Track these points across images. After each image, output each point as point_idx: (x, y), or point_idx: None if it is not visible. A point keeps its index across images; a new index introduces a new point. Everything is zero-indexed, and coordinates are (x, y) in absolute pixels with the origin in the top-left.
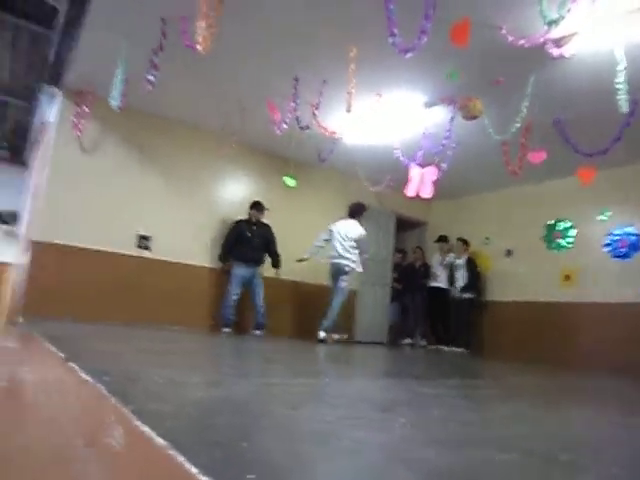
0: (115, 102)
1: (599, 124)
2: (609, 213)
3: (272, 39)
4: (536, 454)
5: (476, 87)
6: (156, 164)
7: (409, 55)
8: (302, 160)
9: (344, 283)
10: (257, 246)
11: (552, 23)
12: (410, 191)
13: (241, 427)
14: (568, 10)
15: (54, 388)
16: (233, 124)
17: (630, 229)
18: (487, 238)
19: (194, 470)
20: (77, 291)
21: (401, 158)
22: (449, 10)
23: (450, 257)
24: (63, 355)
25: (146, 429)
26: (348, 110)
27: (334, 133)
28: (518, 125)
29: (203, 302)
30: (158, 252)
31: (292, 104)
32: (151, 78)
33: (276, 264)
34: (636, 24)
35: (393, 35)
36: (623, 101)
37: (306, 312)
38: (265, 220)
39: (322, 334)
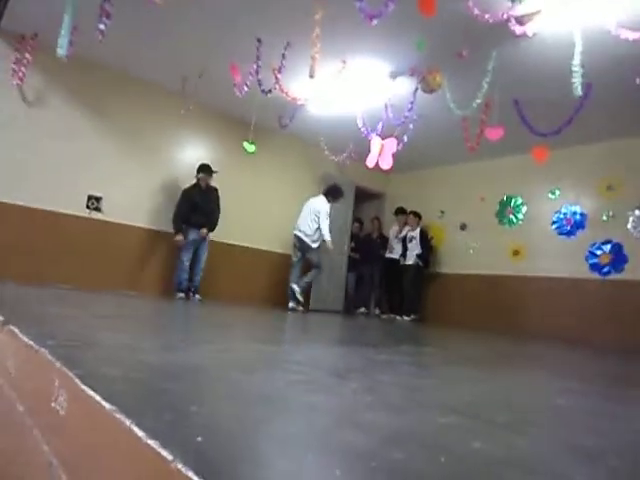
0: (61, 50)
1: (555, 105)
2: (558, 192)
3: None
4: (476, 417)
5: (440, 60)
6: (109, 122)
7: (375, 22)
8: (263, 125)
9: (313, 259)
10: (208, 211)
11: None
12: (370, 162)
13: (192, 392)
14: None
15: None
16: (192, 85)
17: (576, 208)
18: (442, 212)
19: (140, 434)
20: (21, 252)
21: (362, 129)
22: None
23: (405, 229)
24: (1, 317)
25: (92, 393)
26: (311, 75)
27: (297, 99)
28: (479, 101)
29: (156, 266)
30: (109, 214)
31: (254, 66)
32: (102, 27)
33: (212, 228)
34: (596, 8)
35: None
36: (578, 84)
37: (254, 278)
38: (213, 183)
39: (292, 304)
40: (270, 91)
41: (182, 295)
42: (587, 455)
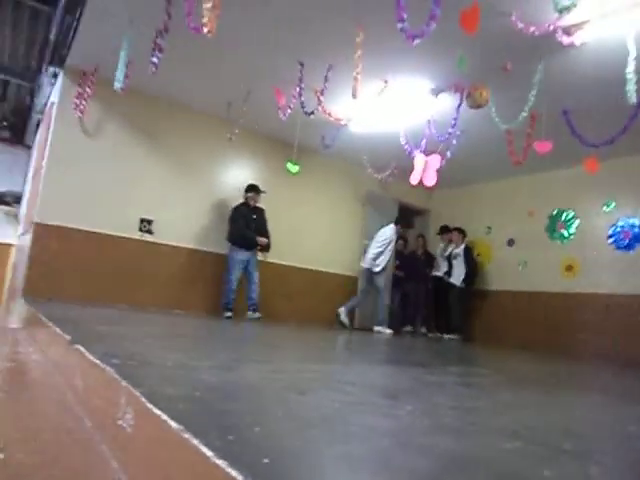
0: (118, 84)
1: (606, 114)
2: (613, 204)
3: (277, 24)
4: (539, 442)
5: (484, 74)
6: (159, 147)
7: (417, 41)
8: (306, 146)
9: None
10: (260, 230)
11: (563, 10)
12: (414, 179)
13: (252, 412)
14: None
15: (61, 370)
16: (237, 109)
17: (634, 220)
18: (489, 227)
19: (209, 453)
20: (79, 274)
21: (405, 146)
22: None
23: (450, 247)
24: (68, 337)
25: (158, 412)
26: (354, 96)
27: (339, 119)
28: (525, 114)
29: (203, 286)
30: (160, 236)
31: (297, 89)
32: (155, 60)
33: (268, 248)
34: None
35: (402, 20)
36: (632, 91)
37: (300, 297)
38: (260, 204)
39: (376, 327)
40: (313, 113)
41: (230, 314)
42: None
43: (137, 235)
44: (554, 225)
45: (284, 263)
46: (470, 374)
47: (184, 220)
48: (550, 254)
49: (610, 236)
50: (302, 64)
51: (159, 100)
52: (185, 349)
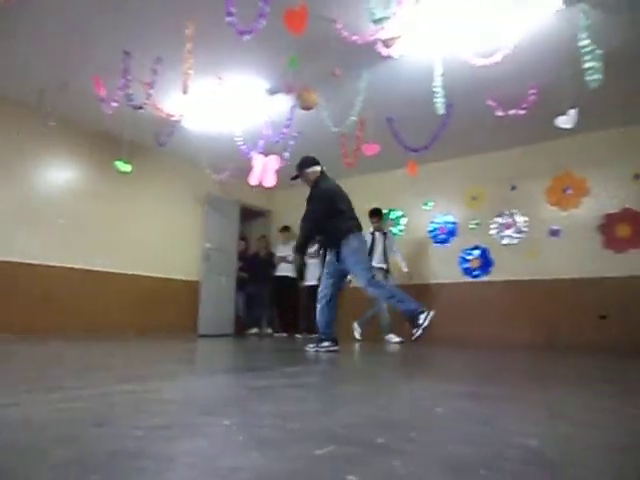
0: None
1: (423, 122)
2: (432, 203)
3: (101, 8)
4: (353, 441)
5: (315, 78)
6: None
7: (247, 37)
8: (139, 143)
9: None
10: None
11: (378, 22)
12: (253, 180)
13: (30, 458)
14: (393, 13)
15: None
16: (53, 100)
17: (448, 217)
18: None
19: None
20: None
21: (242, 146)
22: None
23: (292, 245)
24: None
25: None
26: (185, 92)
27: (171, 115)
28: (353, 118)
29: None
30: None
31: (122, 81)
32: None
33: None
34: (455, 33)
35: (230, 14)
36: (439, 104)
37: (142, 307)
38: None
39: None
40: (141, 107)
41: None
42: (460, 468)
43: None
44: (386, 223)
45: (116, 271)
46: (306, 373)
47: None
48: None
49: (430, 231)
50: (127, 53)
51: None
52: None
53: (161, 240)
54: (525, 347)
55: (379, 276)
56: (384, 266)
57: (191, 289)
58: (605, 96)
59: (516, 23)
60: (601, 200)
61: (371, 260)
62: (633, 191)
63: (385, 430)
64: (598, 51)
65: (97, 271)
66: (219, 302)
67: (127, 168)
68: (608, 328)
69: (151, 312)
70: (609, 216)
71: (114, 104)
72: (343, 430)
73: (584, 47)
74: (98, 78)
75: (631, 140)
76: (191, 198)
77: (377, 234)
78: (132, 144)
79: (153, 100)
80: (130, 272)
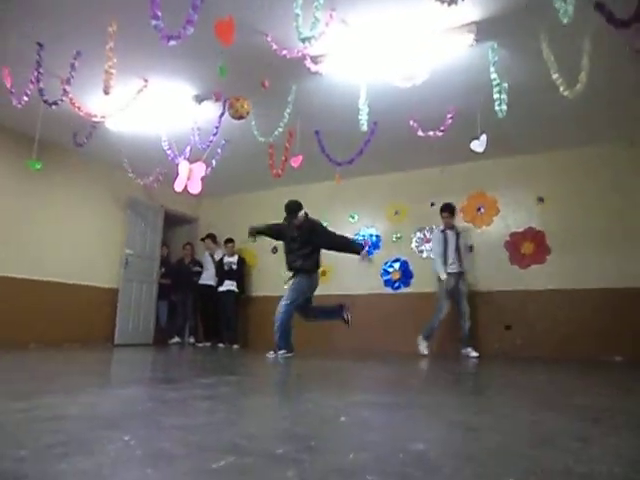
0: None
1: (349, 137)
2: (357, 216)
3: None
4: (255, 452)
5: (245, 87)
6: None
7: (172, 43)
8: (55, 143)
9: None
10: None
11: (305, 40)
12: (178, 186)
13: None
14: (320, 33)
15: None
16: None
17: (371, 230)
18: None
19: None
20: None
21: (168, 151)
22: (220, 6)
23: (218, 254)
24: None
25: None
26: (106, 91)
27: (91, 115)
28: (281, 130)
29: None
30: None
31: (35, 73)
32: None
33: None
34: (379, 56)
35: (156, 18)
36: (364, 121)
37: (56, 316)
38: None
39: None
40: (56, 103)
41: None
42: (350, 474)
43: None
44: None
45: (27, 277)
46: (219, 384)
47: None
48: None
49: None
50: (41, 45)
51: None
52: None
53: (77, 245)
54: (437, 356)
55: (452, 282)
56: (459, 270)
57: (109, 297)
58: (512, 125)
59: (434, 52)
60: (508, 220)
61: (445, 263)
62: (535, 212)
63: (287, 440)
64: (504, 84)
65: (1, 276)
66: (138, 310)
67: (37, 166)
68: (512, 337)
69: (61, 321)
70: (514, 234)
71: (25, 98)
72: (245, 441)
73: (493, 80)
74: (7, 69)
75: (535, 166)
76: (112, 202)
77: (449, 232)
78: (47, 142)
79: (70, 97)
80: (38, 278)
